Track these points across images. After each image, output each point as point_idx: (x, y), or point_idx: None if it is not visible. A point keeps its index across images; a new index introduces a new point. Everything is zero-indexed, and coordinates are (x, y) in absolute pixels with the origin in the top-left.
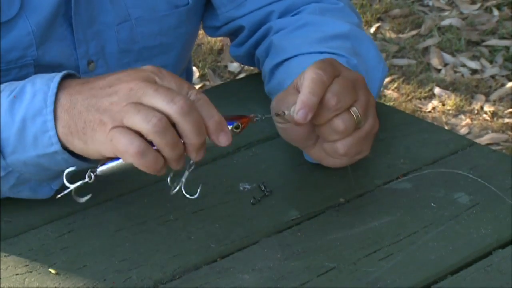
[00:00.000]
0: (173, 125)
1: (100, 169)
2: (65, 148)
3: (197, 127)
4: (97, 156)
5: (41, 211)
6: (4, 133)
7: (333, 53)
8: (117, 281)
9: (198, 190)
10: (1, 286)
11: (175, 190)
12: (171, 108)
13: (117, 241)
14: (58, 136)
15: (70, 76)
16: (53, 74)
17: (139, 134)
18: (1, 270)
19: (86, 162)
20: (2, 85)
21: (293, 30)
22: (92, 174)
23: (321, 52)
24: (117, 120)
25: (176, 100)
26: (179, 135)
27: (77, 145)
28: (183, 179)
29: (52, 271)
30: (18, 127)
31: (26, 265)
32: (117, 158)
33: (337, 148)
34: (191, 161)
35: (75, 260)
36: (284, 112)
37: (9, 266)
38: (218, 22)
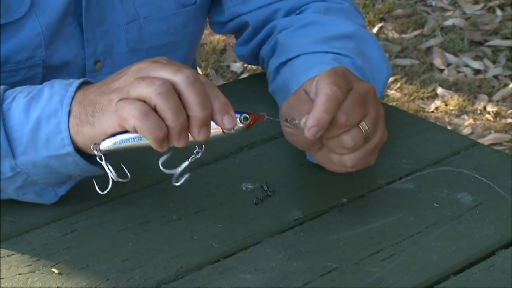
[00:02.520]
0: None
1: (104, 143)
2: (77, 150)
3: (202, 98)
4: (103, 138)
5: (44, 211)
6: (17, 133)
7: (337, 53)
8: (120, 281)
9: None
10: (4, 286)
11: (178, 177)
12: (177, 77)
13: (120, 241)
14: (70, 135)
15: (88, 83)
16: (72, 80)
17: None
18: (4, 270)
19: (95, 166)
20: (20, 87)
21: (298, 28)
22: (95, 150)
23: (326, 52)
24: (123, 94)
25: (182, 70)
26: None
27: (86, 132)
28: (184, 165)
29: (55, 270)
30: (31, 126)
31: (29, 265)
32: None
33: (345, 161)
34: (196, 150)
35: (78, 260)
36: (293, 119)
37: (12, 266)
38: (223, 17)
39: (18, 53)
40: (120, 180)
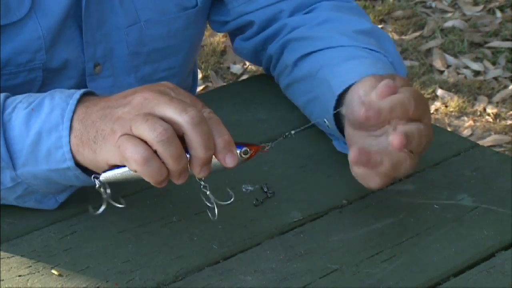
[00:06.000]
0: (181, 139)
1: (104, 175)
2: (77, 164)
3: (206, 140)
4: (105, 166)
5: (44, 212)
6: (18, 145)
7: (369, 49)
8: (120, 282)
9: (231, 196)
10: (4, 287)
11: (215, 210)
12: (182, 118)
13: (119, 243)
14: (71, 150)
15: (90, 93)
16: (72, 90)
17: (147, 144)
18: (4, 272)
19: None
20: (20, 96)
21: (314, 26)
22: (96, 180)
23: (356, 46)
24: (126, 128)
25: (188, 110)
26: (186, 147)
27: (87, 156)
28: (213, 200)
29: (55, 272)
30: (32, 140)
31: (29, 266)
32: (123, 166)
33: (373, 181)
34: (202, 183)
35: (78, 261)
36: (291, 134)
37: (12, 268)
38: (228, 16)
39: (18, 56)
40: (116, 204)
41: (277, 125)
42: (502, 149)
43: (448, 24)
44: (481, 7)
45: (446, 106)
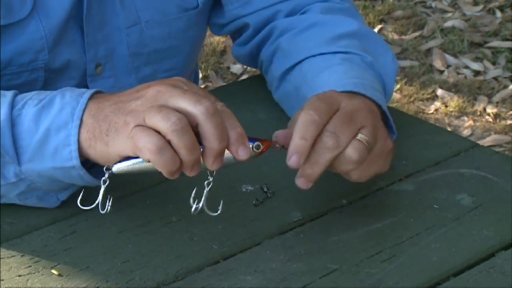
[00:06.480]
0: (195, 133)
1: (116, 166)
2: (82, 162)
3: (220, 131)
4: (116, 158)
5: (44, 212)
6: (25, 141)
7: (345, 52)
8: (120, 282)
9: (220, 206)
10: (4, 287)
11: (198, 208)
12: (197, 109)
13: (120, 243)
14: (79, 144)
15: (99, 92)
16: (83, 90)
17: (160, 134)
18: (4, 271)
19: (99, 180)
20: (30, 93)
21: (301, 31)
22: (107, 172)
23: (334, 52)
24: (139, 119)
25: (202, 101)
26: (200, 138)
27: (99, 149)
28: (203, 198)
29: (55, 272)
30: (40, 136)
31: (29, 266)
32: (135, 157)
33: (350, 176)
34: (209, 179)
35: (78, 261)
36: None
37: (11, 267)
38: (224, 19)
39: (21, 56)
40: (101, 210)
41: (277, 125)
42: (502, 149)
43: (448, 24)
44: (481, 7)
45: (446, 106)
